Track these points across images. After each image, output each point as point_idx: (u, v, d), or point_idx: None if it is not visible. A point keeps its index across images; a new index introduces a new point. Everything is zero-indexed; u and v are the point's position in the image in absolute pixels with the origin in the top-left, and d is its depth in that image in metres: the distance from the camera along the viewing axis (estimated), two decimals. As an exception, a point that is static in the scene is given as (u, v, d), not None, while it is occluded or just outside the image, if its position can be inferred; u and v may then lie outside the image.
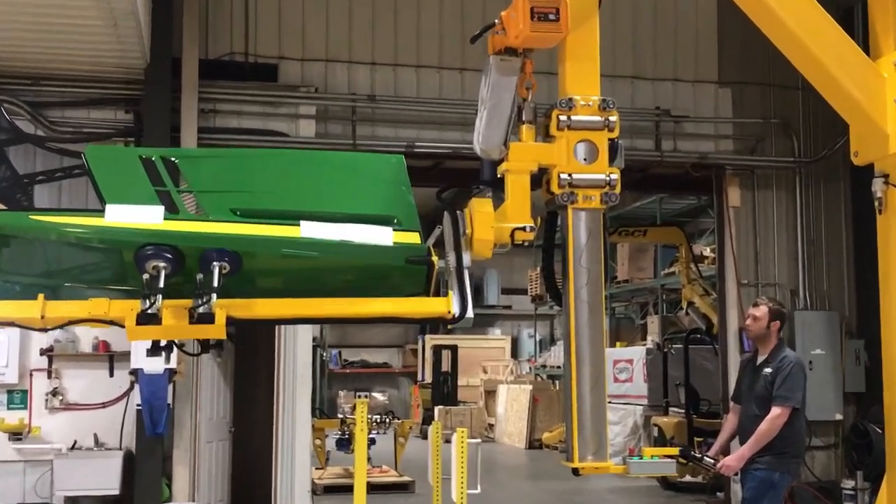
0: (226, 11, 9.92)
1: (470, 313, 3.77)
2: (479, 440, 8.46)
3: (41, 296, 3.69)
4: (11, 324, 3.87)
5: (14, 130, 9.03)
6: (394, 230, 3.81)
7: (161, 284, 3.55)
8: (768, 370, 6.45)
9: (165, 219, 3.62)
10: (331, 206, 3.81)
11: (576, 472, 3.95)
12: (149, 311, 3.52)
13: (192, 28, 9.38)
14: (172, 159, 3.75)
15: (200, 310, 3.53)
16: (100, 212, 3.64)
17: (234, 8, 9.94)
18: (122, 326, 3.61)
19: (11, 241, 3.75)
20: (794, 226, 11.19)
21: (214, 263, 3.59)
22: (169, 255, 3.59)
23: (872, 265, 5.63)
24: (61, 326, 3.82)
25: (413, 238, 3.83)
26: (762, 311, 6.55)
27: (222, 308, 3.55)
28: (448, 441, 7.05)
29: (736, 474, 6.61)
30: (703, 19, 11.11)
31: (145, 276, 3.57)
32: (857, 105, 5.31)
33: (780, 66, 9.95)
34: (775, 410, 6.30)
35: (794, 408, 6.34)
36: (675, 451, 4.53)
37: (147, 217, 3.60)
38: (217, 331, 3.59)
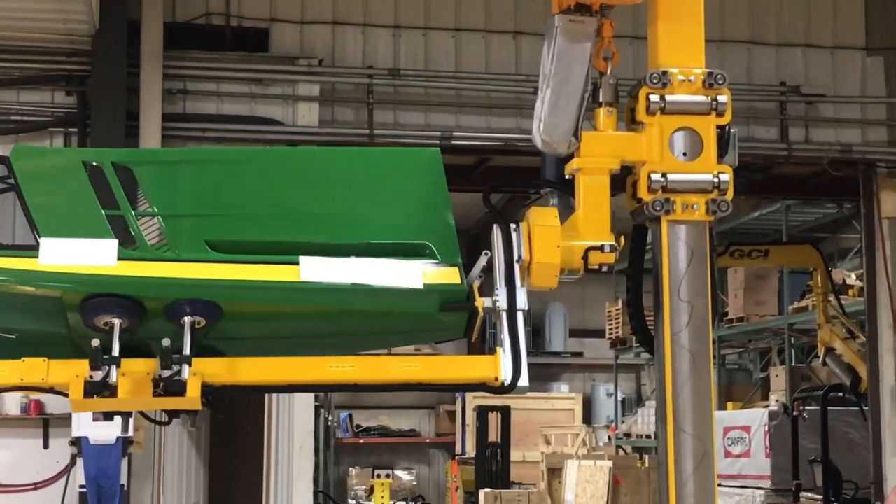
0: (200, -41, 10.06)
1: (524, 380, 3.76)
2: (540, 536, 8.41)
3: None
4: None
5: None
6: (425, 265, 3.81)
7: (116, 348, 3.56)
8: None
9: (120, 258, 3.62)
10: (340, 232, 3.80)
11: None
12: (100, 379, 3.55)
13: (154, -19, 9.50)
14: (129, 166, 3.75)
15: (168, 375, 3.58)
16: (31, 248, 3.63)
17: (210, -46, 10.08)
18: (65, 395, 3.64)
19: None
20: (974, 243, 11.08)
21: (185, 318, 3.62)
22: (124, 309, 3.61)
23: None
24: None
25: (450, 276, 3.81)
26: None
27: (196, 374, 3.59)
28: (499, 537, 7.02)
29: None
30: (845, -37, 11.08)
31: (94, 340, 3.58)
32: None
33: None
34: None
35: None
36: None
37: (96, 257, 3.60)
38: (189, 402, 3.64)
